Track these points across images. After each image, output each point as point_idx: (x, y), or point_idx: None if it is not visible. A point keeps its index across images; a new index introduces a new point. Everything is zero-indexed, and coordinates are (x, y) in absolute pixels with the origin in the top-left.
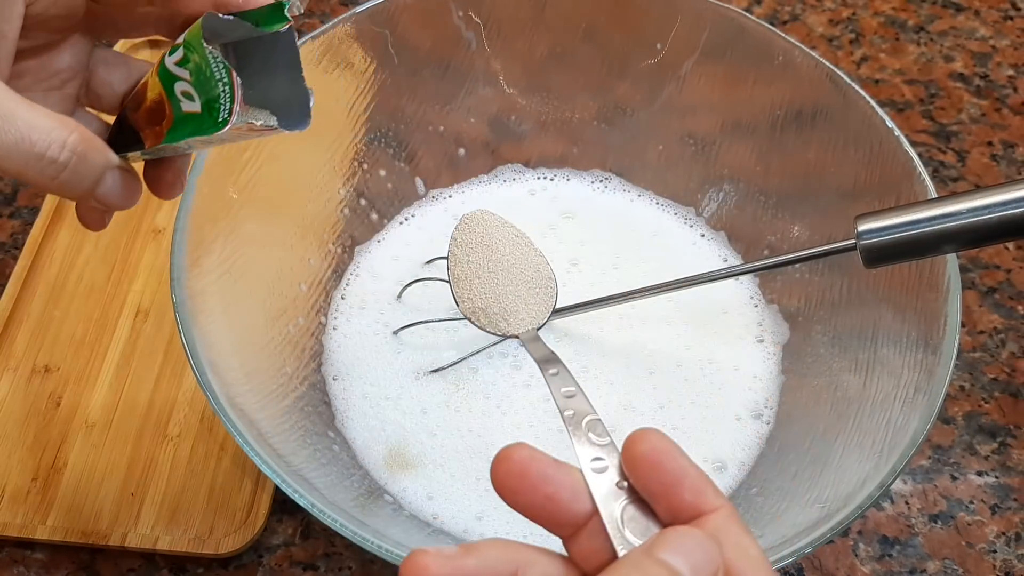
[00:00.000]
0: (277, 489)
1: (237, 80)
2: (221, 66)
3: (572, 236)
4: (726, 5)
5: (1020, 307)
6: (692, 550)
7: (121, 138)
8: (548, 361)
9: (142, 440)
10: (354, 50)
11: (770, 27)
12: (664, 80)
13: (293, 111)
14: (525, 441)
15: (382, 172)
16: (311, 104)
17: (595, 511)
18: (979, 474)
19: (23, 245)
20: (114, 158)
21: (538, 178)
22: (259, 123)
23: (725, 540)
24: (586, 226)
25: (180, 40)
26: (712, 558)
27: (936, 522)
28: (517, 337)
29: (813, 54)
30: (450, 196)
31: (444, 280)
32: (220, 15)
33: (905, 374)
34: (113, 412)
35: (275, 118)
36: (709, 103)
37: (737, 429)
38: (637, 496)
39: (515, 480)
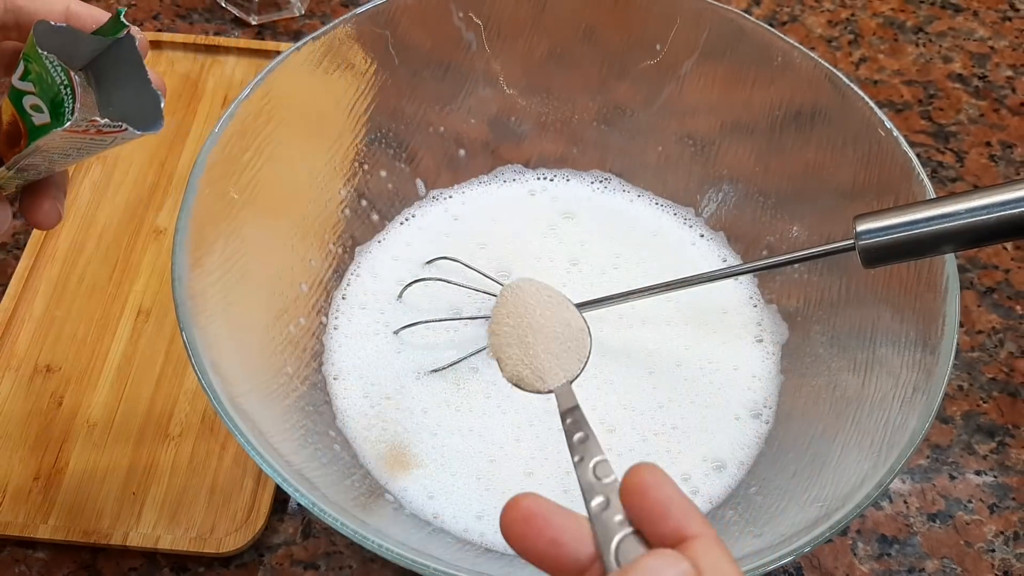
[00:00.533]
0: (278, 488)
1: (76, 78)
2: (59, 68)
3: (572, 236)
4: (726, 6)
5: (1018, 307)
6: (662, 569)
7: None
8: (570, 410)
9: (143, 440)
10: (355, 51)
11: (769, 28)
12: (664, 81)
13: (148, 115)
14: (534, 492)
15: (383, 173)
16: (162, 105)
17: (599, 555)
18: (977, 473)
19: (25, 245)
20: None
21: (538, 178)
22: (102, 121)
23: (705, 564)
24: (586, 226)
25: (21, 56)
26: (683, 574)
27: (934, 521)
28: (552, 392)
29: (812, 55)
30: (450, 196)
31: (444, 280)
32: (51, 22)
33: (904, 374)
34: (114, 412)
35: (123, 121)
36: (709, 104)
37: (736, 428)
38: (635, 530)
39: (521, 526)
